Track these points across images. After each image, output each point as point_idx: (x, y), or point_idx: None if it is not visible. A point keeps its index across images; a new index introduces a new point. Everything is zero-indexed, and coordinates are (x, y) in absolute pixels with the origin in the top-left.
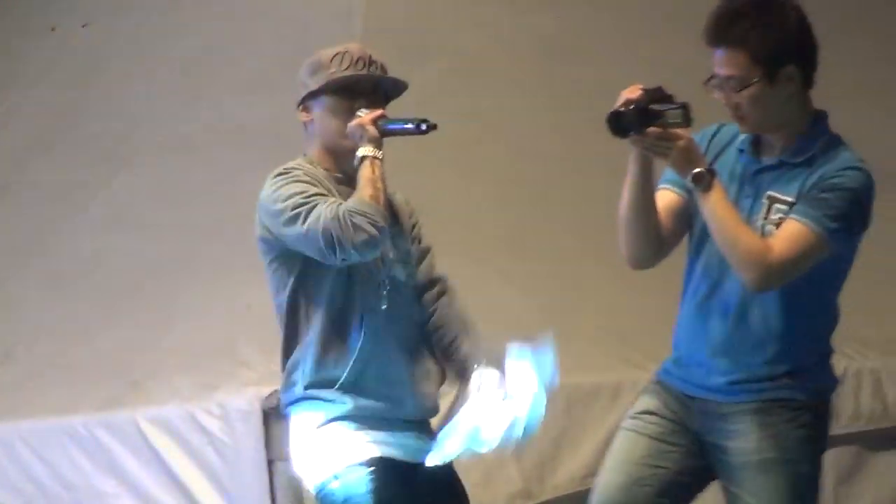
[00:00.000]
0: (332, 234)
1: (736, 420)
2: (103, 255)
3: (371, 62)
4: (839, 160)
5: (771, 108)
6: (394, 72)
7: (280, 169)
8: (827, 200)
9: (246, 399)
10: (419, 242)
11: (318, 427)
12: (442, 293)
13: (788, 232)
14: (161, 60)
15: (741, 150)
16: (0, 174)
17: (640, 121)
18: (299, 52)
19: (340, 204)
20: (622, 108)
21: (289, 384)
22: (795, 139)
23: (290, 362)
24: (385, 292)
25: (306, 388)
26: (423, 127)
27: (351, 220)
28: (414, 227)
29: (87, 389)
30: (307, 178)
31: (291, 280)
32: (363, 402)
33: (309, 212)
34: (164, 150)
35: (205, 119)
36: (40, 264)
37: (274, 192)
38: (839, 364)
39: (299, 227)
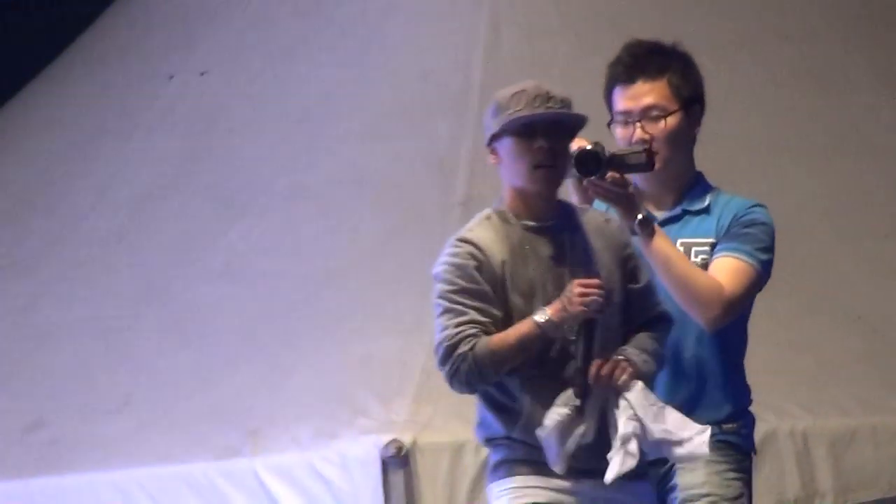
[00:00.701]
0: (438, 354)
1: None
2: (221, 304)
3: (549, 97)
4: (740, 200)
5: (680, 147)
6: None
7: (458, 236)
8: (752, 235)
9: (364, 448)
10: (635, 279)
11: (494, 470)
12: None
13: (728, 268)
14: (279, 109)
15: None
16: (118, 223)
17: (608, 163)
18: (417, 101)
19: (469, 337)
20: (596, 149)
21: (477, 427)
22: (683, 191)
23: (479, 410)
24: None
25: (489, 438)
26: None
27: (458, 365)
28: (628, 260)
29: (204, 437)
30: (466, 267)
31: None
32: (539, 451)
33: (442, 312)
34: (282, 198)
35: (322, 167)
36: (158, 312)
37: (439, 265)
38: None
39: (434, 317)
